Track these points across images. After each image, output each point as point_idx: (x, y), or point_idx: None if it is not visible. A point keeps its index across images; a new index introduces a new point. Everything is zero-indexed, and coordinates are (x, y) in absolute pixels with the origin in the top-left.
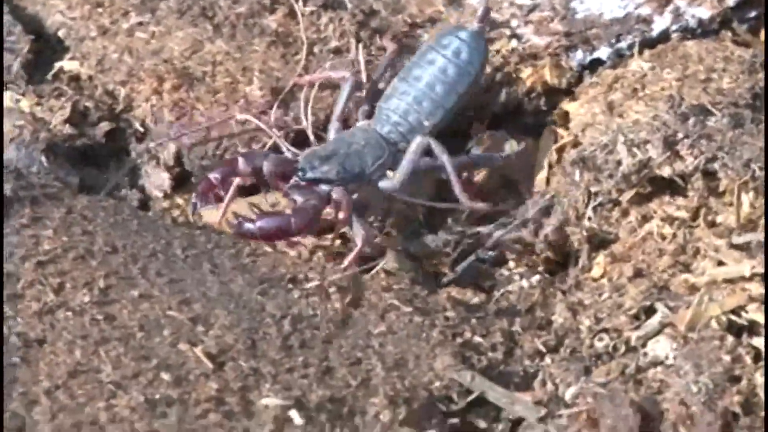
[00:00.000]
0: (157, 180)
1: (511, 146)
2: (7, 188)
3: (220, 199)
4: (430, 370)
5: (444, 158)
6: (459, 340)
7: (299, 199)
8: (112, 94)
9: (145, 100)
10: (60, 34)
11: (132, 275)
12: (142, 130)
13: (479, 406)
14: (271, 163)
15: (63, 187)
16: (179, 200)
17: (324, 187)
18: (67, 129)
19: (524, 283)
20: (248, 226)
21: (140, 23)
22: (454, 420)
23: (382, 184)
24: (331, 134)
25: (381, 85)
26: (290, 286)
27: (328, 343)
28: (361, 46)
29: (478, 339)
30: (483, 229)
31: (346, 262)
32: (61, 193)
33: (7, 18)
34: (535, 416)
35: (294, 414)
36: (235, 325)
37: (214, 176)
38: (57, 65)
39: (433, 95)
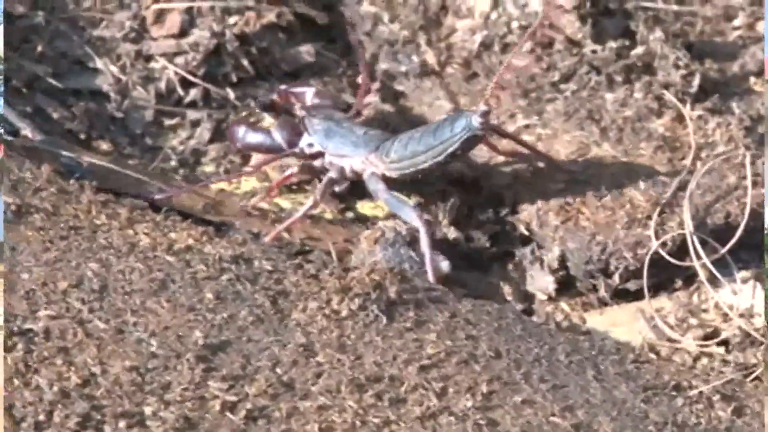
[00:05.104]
0: (541, 283)
1: None
2: (392, 290)
3: (275, 109)
4: None
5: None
6: None
7: (273, 127)
8: (498, 196)
9: (531, 203)
10: None
11: (515, 380)
12: (527, 233)
13: None
14: (319, 101)
15: (447, 290)
16: (563, 304)
17: (305, 140)
18: (452, 232)
19: None
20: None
21: (527, 126)
22: None
23: (374, 183)
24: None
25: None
26: (674, 393)
27: None
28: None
29: None
30: None
31: None
32: (445, 296)
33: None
34: None
35: None
36: None
37: (285, 87)
38: None
39: (414, 141)
